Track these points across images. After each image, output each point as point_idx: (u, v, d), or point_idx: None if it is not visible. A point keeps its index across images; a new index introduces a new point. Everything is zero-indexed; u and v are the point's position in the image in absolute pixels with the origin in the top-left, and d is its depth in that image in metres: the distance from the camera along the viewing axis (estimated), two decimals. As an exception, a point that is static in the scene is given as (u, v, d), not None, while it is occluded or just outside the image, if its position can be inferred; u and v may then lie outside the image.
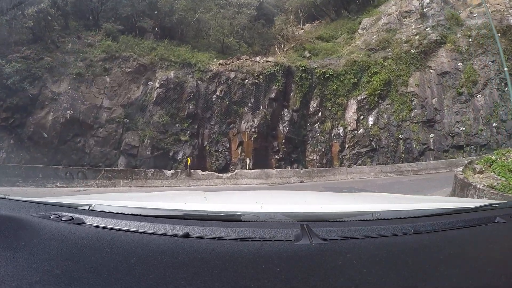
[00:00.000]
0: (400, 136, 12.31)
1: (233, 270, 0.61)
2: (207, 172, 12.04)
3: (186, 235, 0.81)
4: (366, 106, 12.69)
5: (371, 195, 2.50)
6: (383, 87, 12.67)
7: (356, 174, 11.70)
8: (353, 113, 12.66)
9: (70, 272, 0.60)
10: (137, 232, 0.85)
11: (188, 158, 12.45)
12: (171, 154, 13.29)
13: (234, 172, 11.97)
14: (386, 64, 13.11)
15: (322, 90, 12.90)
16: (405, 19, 14.44)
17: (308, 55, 14.56)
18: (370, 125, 12.50)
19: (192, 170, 12.19)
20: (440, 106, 12.52)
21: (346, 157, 12.46)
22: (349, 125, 12.61)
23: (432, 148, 12.23)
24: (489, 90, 12.58)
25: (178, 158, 13.23)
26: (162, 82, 13.69)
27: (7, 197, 1.22)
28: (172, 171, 12.12)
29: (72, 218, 0.94)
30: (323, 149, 12.55)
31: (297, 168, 12.57)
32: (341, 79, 12.92)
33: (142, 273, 0.60)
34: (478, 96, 12.54)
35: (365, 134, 12.41)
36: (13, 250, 0.69)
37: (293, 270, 0.62)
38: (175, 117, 13.41)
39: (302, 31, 17.36)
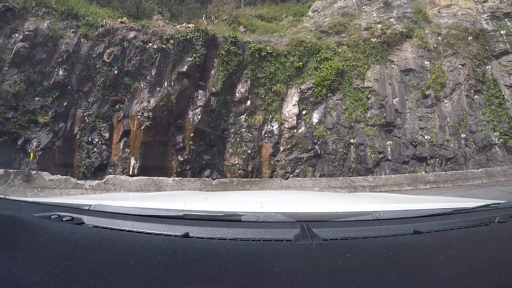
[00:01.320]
0: (351, 140, 9.14)
1: (233, 270, 0.60)
2: (59, 176, 7.46)
3: (186, 235, 0.82)
4: (311, 99, 9.41)
5: (371, 195, 2.37)
6: (334, 77, 9.58)
7: (294, 189, 8.15)
8: (294, 105, 9.27)
9: (70, 272, 0.60)
10: (137, 232, 0.86)
11: (32, 151, 7.81)
12: (20, 142, 8.53)
13: (104, 179, 7.58)
14: (340, 50, 10.15)
15: (255, 72, 9.39)
16: (365, 6, 11.95)
17: (243, 30, 11.16)
18: (314, 124, 9.16)
19: (35, 172, 7.55)
20: (401, 108, 9.75)
21: (280, 163, 8.85)
22: (287, 121, 9.14)
23: (389, 158, 9.24)
24: (458, 95, 10.23)
25: (29, 150, 8.49)
26: (27, 33, 9.13)
27: (7, 197, 1.21)
28: (1, 171, 7.44)
29: (72, 218, 0.94)
30: (250, 151, 8.82)
31: (209, 177, 8.60)
32: (282, 60, 9.58)
33: (142, 273, 0.59)
34: (445, 101, 10.07)
35: (307, 134, 9.00)
36: (13, 250, 0.69)
37: (293, 270, 0.61)
38: (37, 86, 8.77)
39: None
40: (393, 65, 10.29)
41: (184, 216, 1.00)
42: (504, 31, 11.41)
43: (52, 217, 0.95)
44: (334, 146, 9.07)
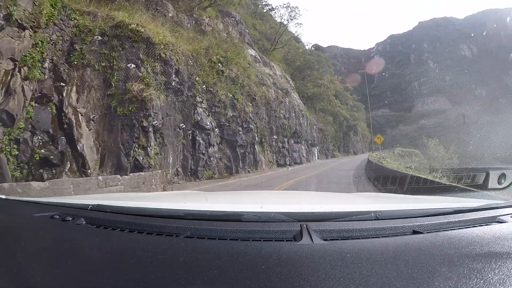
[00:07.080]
0: None
1: (234, 270, 0.60)
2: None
3: (187, 235, 0.80)
4: None
5: (371, 195, 2.50)
6: None
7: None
8: None
9: (70, 272, 0.58)
10: (138, 232, 0.84)
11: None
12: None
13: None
14: None
15: None
16: None
17: None
18: None
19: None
20: None
21: None
22: None
23: None
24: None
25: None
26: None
27: (7, 197, 1.20)
28: None
29: (73, 218, 0.92)
30: None
31: None
32: None
33: (142, 273, 0.57)
34: None
35: None
36: (14, 250, 0.67)
37: (293, 270, 0.60)
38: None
39: None
40: None
41: (184, 216, 0.98)
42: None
43: (52, 217, 0.94)
44: None
